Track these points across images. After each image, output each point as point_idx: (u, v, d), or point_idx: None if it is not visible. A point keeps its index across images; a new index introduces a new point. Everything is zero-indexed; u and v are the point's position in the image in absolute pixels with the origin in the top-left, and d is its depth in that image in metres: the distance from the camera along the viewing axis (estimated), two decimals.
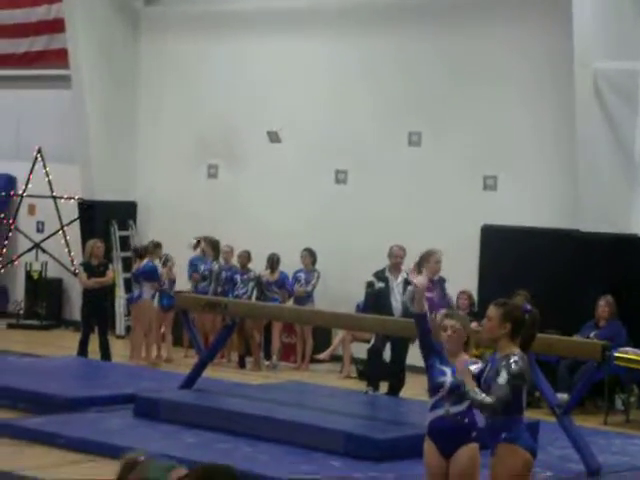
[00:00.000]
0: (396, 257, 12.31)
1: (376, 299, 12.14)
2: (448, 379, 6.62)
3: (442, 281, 11.22)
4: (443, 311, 10.54)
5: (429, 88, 14.84)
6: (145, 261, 14.57)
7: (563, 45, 13.24)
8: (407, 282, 11.99)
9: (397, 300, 12.06)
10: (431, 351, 6.75)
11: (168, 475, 4.12)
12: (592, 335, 12.22)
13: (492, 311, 6.49)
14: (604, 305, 12.53)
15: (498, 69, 14.31)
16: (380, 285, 12.22)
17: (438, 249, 11.44)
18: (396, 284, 12.22)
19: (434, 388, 6.69)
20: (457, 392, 6.52)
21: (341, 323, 11.92)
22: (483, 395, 6.26)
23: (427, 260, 11.11)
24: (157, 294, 14.71)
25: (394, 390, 12.23)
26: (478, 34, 14.45)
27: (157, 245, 14.88)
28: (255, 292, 14.90)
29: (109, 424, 10.30)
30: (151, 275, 14.52)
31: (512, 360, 6.29)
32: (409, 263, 12.24)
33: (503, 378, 6.23)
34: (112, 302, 16.31)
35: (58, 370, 12.78)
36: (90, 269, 13.94)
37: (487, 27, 14.38)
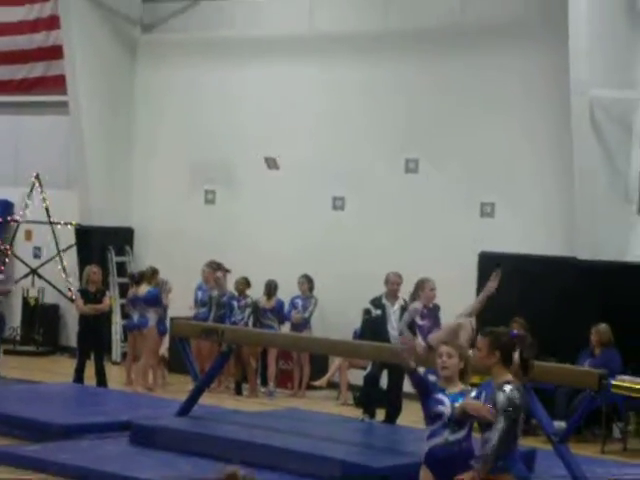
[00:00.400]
0: (393, 284, 12.37)
1: (373, 326, 12.16)
2: (447, 409, 6.60)
3: (437, 309, 11.23)
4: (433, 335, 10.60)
5: (426, 115, 14.88)
6: (147, 287, 14.59)
7: (560, 73, 13.29)
8: (404, 309, 12.00)
9: (394, 327, 12.07)
10: (427, 394, 6.72)
11: None
12: (586, 363, 12.21)
13: (480, 341, 6.50)
14: (595, 333, 12.55)
15: (496, 97, 14.35)
16: (377, 312, 12.24)
17: (431, 278, 11.51)
18: (393, 311, 12.24)
19: (431, 417, 6.67)
20: (455, 421, 6.50)
21: (338, 350, 11.89)
22: (488, 450, 6.22)
23: (422, 288, 11.17)
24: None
25: (391, 418, 12.21)
26: (476, 62, 14.50)
27: (155, 271, 14.89)
28: (252, 318, 14.87)
29: (105, 451, 10.26)
30: (155, 301, 14.55)
31: (503, 393, 6.25)
32: (406, 290, 12.26)
33: (499, 422, 6.19)
34: (109, 328, 16.29)
35: (54, 397, 12.74)
36: (87, 296, 13.93)
37: (485, 55, 14.44)
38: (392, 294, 12.35)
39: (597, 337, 12.53)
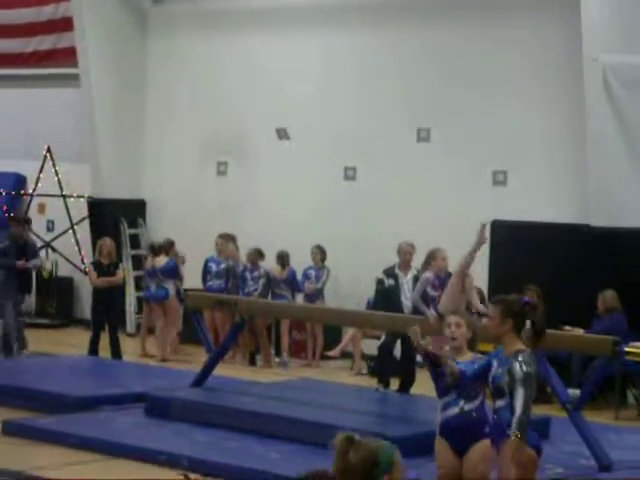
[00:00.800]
0: (405, 254, 12.35)
1: (386, 296, 12.16)
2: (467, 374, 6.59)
3: (449, 276, 11.13)
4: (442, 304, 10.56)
5: (438, 84, 14.81)
6: (166, 259, 14.72)
7: (571, 40, 13.20)
8: (416, 278, 11.97)
9: (407, 297, 12.07)
10: (438, 366, 6.73)
11: (396, 453, 4.05)
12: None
13: (492, 310, 6.51)
14: (600, 300, 12.54)
15: (507, 65, 14.26)
16: (390, 282, 12.24)
17: (443, 248, 11.44)
18: (406, 281, 12.23)
19: (443, 389, 6.68)
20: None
21: (350, 321, 11.91)
22: (516, 419, 6.23)
23: (433, 257, 11.10)
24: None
25: (405, 387, 12.22)
26: (487, 33, 14.41)
27: (172, 243, 15.07)
28: (265, 289, 14.89)
29: (120, 423, 10.31)
30: (173, 272, 14.76)
31: (519, 362, 6.29)
32: (418, 259, 12.23)
33: (520, 391, 6.23)
34: (122, 300, 16.34)
35: (69, 369, 12.80)
36: (100, 268, 13.95)
37: (495, 25, 14.34)
38: (405, 264, 12.34)
39: (602, 303, 12.53)
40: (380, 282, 12.39)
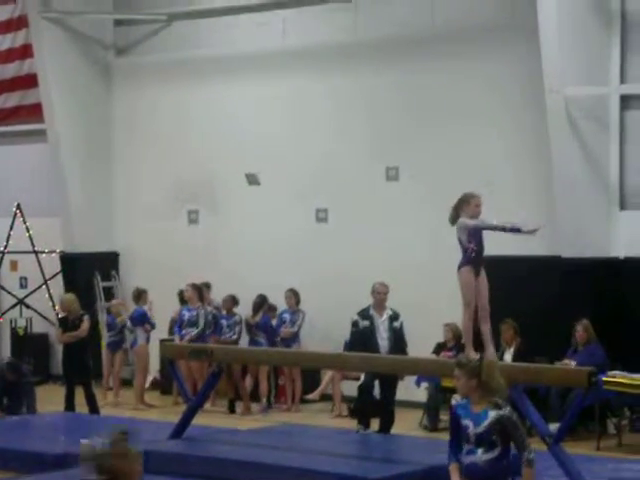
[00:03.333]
0: (379, 294, 12.30)
1: (362, 338, 12.09)
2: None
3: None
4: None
5: (404, 123, 14.90)
6: (134, 308, 15.12)
7: (533, 75, 13.34)
8: (392, 319, 11.95)
9: (383, 338, 11.99)
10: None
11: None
12: (569, 359, 12.26)
13: (457, 372, 6.74)
14: (581, 330, 12.58)
15: (471, 101, 14.38)
16: (364, 324, 12.17)
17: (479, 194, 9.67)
18: (381, 321, 12.17)
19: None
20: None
21: (328, 363, 11.89)
22: (527, 454, 6.66)
23: (467, 202, 9.39)
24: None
25: (385, 427, 12.20)
26: (448, 68, 14.53)
27: (142, 291, 15.25)
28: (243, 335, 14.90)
29: None
30: (140, 320, 15.08)
31: (504, 409, 6.64)
32: (392, 299, 12.20)
33: (520, 431, 6.67)
34: (99, 353, 16.25)
35: (47, 426, 12.68)
36: (65, 324, 13.95)
37: (457, 60, 14.46)
38: (379, 304, 12.28)
39: (585, 332, 12.55)
40: (355, 324, 12.34)
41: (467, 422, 6.68)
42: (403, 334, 12.21)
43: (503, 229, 9.31)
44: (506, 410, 6.64)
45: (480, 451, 6.62)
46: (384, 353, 11.60)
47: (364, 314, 12.24)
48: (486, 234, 9.30)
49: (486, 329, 9.44)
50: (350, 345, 12.50)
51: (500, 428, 6.60)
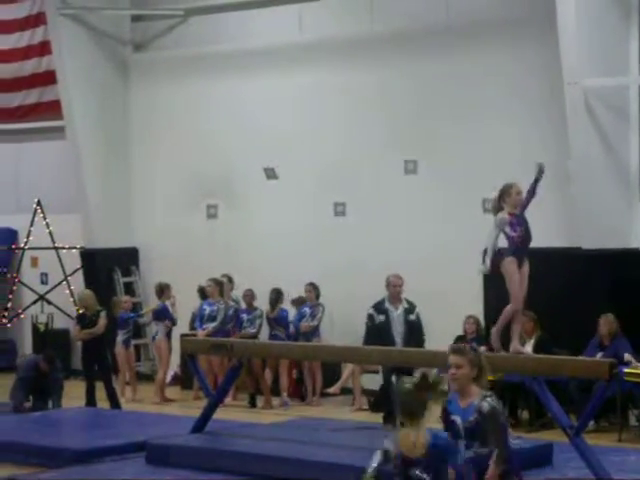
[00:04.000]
0: (394, 287, 12.09)
1: (377, 333, 11.95)
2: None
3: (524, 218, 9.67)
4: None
5: (422, 115, 14.88)
6: (157, 302, 15.23)
7: (552, 67, 13.29)
8: (408, 311, 11.77)
9: (398, 332, 11.84)
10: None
11: None
12: (599, 356, 12.18)
13: (459, 359, 6.46)
14: (605, 324, 12.51)
15: (487, 94, 14.34)
16: (380, 318, 11.97)
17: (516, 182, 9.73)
18: (396, 315, 11.98)
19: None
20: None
21: (347, 357, 11.88)
22: (494, 456, 6.28)
23: (507, 193, 9.46)
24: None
25: None
26: (464, 61, 14.50)
27: (165, 286, 15.30)
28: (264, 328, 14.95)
29: (122, 473, 10.24)
30: (161, 315, 15.11)
31: (488, 403, 6.35)
32: (408, 290, 12.03)
33: (497, 429, 6.30)
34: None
35: (68, 422, 12.75)
36: (83, 320, 13.99)
37: (473, 54, 14.44)
38: (394, 297, 12.06)
39: (607, 327, 12.49)
40: (370, 318, 12.18)
41: (455, 417, 6.48)
42: (420, 326, 12.04)
43: (533, 190, 9.41)
44: (490, 403, 6.37)
45: (477, 445, 6.45)
46: (399, 347, 11.50)
47: (379, 308, 12.06)
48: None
49: (517, 324, 9.44)
50: (366, 339, 12.40)
51: (482, 419, 6.37)
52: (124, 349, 15.28)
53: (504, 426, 6.45)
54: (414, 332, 11.85)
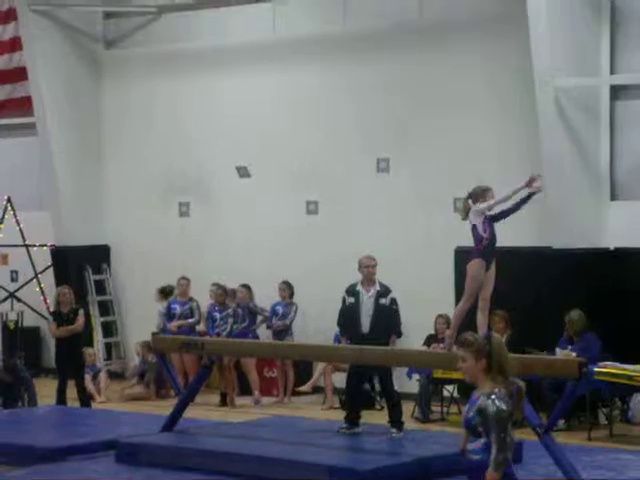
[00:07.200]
0: (367, 267, 11.57)
1: (346, 314, 11.64)
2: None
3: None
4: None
5: (394, 113, 14.90)
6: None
7: (522, 66, 13.33)
8: (380, 295, 11.38)
9: (367, 315, 11.41)
10: None
11: None
12: (569, 349, 12.26)
13: (462, 353, 6.11)
14: (568, 322, 12.58)
15: (460, 92, 14.37)
16: (350, 300, 11.62)
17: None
18: (367, 297, 11.49)
19: None
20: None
21: (318, 355, 11.87)
22: (492, 459, 5.99)
23: (482, 196, 9.50)
24: None
25: (396, 420, 11.37)
26: (437, 59, 14.54)
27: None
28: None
29: (91, 472, 10.18)
30: None
31: (491, 401, 5.97)
32: (382, 272, 11.77)
33: (494, 431, 5.95)
34: (92, 346, 16.26)
35: (38, 420, 12.66)
36: (60, 318, 13.89)
37: (446, 52, 14.47)
38: (367, 278, 11.58)
39: (570, 325, 12.57)
40: (343, 301, 11.85)
41: (465, 407, 6.23)
42: (394, 311, 11.56)
43: (516, 192, 9.46)
44: (495, 404, 5.97)
45: (471, 439, 6.33)
46: (366, 330, 11.26)
47: (351, 290, 11.61)
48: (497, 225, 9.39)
49: (483, 320, 9.45)
50: (337, 321, 12.07)
51: (482, 418, 6.01)
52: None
53: (508, 430, 6.02)
54: (383, 317, 11.37)
